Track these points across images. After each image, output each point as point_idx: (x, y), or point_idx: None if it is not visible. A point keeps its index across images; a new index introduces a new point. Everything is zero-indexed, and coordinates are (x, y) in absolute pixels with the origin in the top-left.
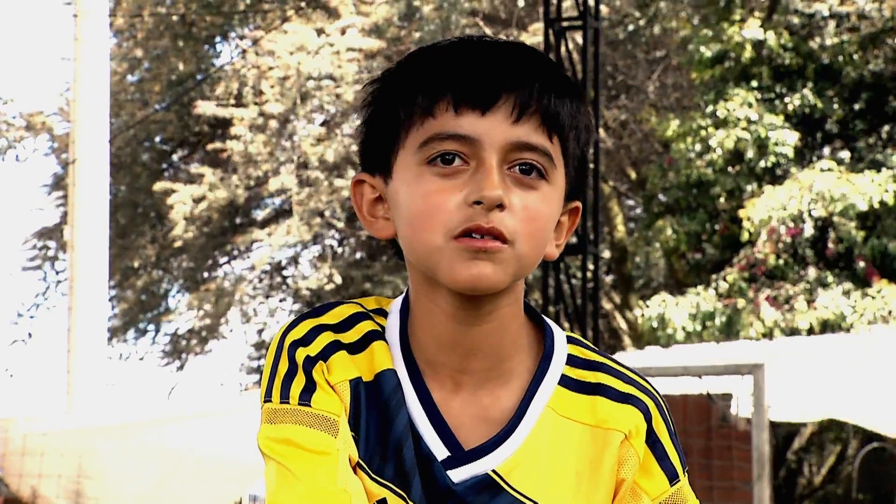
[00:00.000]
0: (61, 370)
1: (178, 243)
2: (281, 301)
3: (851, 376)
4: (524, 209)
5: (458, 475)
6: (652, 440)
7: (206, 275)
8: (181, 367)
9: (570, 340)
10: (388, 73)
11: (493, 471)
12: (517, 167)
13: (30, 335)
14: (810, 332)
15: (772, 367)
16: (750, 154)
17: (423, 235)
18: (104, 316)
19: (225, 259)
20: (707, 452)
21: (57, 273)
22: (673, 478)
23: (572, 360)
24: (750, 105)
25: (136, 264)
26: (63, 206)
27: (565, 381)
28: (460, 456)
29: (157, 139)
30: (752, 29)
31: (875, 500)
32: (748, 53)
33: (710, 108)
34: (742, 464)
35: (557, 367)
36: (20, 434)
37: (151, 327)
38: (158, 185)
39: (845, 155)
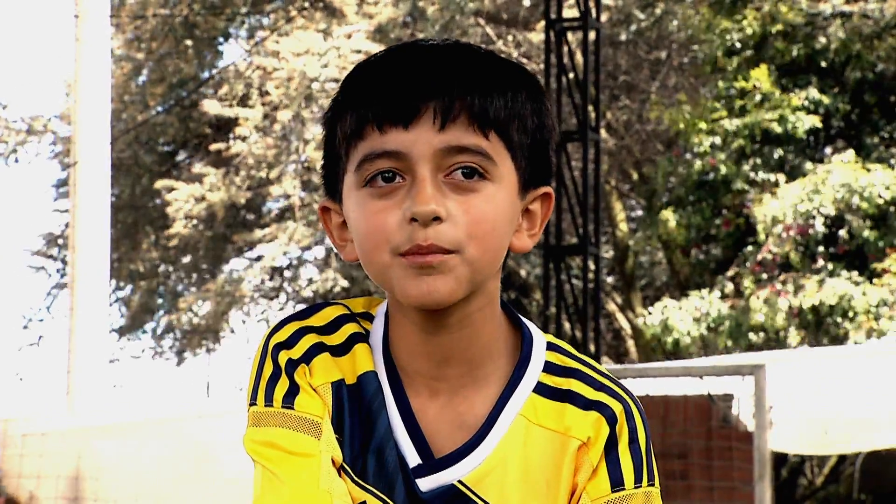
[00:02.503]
0: (62, 370)
1: (174, 241)
2: (285, 301)
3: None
4: (465, 214)
5: (425, 484)
6: (609, 445)
7: (211, 276)
8: (185, 367)
9: (551, 347)
10: (334, 97)
11: (460, 481)
12: (454, 172)
13: (40, 338)
14: (816, 313)
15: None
16: (777, 130)
17: (372, 256)
18: (105, 317)
19: (230, 260)
20: (708, 453)
21: (62, 276)
22: (616, 484)
23: (549, 368)
24: (770, 89)
25: (140, 268)
26: (67, 210)
27: (540, 389)
28: (430, 464)
29: (160, 141)
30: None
31: (877, 501)
32: (774, 27)
33: (723, 100)
34: (743, 464)
35: (533, 374)
36: (19, 434)
37: (157, 329)
38: (160, 183)
39: (850, 154)
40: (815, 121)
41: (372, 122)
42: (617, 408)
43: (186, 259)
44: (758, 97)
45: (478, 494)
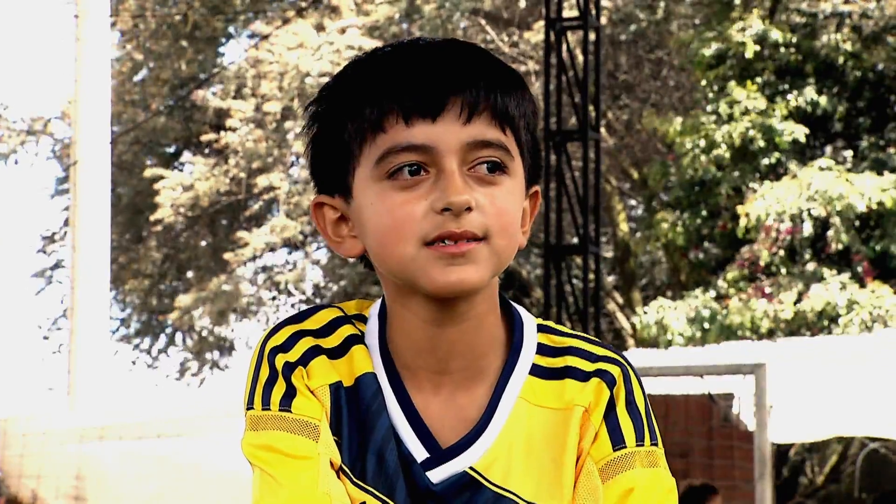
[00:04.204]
0: (62, 370)
1: (157, 227)
2: (285, 302)
3: (853, 385)
4: (492, 205)
5: (436, 475)
6: (609, 407)
7: (210, 277)
8: (189, 370)
9: (541, 328)
10: (330, 88)
11: (471, 468)
12: (477, 166)
13: (61, 346)
14: (802, 321)
15: (772, 371)
16: (760, 144)
17: (394, 249)
18: (105, 316)
19: (228, 259)
20: (709, 452)
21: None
22: (618, 443)
23: (542, 349)
24: (755, 98)
25: (146, 272)
26: (67, 210)
27: (536, 371)
28: (438, 456)
29: (161, 144)
30: (755, 26)
31: (878, 500)
32: (750, 51)
33: (712, 107)
34: (744, 463)
35: (527, 357)
36: (20, 434)
37: (157, 331)
38: (149, 171)
39: (848, 154)
40: (801, 131)
41: (397, 115)
42: (615, 371)
43: (186, 260)
44: (745, 107)
45: (488, 479)
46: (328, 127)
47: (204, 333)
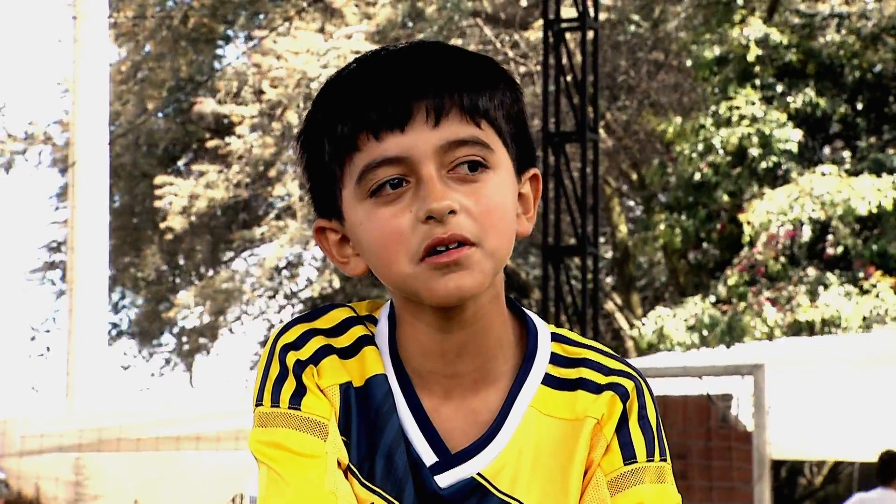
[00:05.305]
0: (61, 371)
1: (168, 236)
2: (287, 298)
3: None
4: (477, 205)
5: (444, 480)
6: (622, 421)
7: (211, 273)
8: (188, 369)
9: (555, 338)
10: (310, 113)
11: (479, 474)
12: (458, 167)
13: (48, 349)
14: (811, 328)
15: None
16: (754, 152)
17: (390, 267)
18: (104, 318)
19: (231, 257)
20: (707, 453)
21: (63, 282)
22: (629, 457)
23: (556, 359)
24: (753, 103)
25: (144, 274)
26: (66, 220)
27: (548, 380)
28: (447, 460)
29: (160, 146)
30: (755, 27)
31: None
32: (751, 52)
33: (713, 108)
34: (742, 464)
35: (540, 366)
36: (19, 435)
37: (157, 330)
38: (159, 179)
39: (846, 155)
40: (796, 138)
41: (367, 131)
42: (629, 385)
43: (186, 260)
44: (743, 112)
45: (496, 486)
46: (312, 152)
47: (195, 325)
